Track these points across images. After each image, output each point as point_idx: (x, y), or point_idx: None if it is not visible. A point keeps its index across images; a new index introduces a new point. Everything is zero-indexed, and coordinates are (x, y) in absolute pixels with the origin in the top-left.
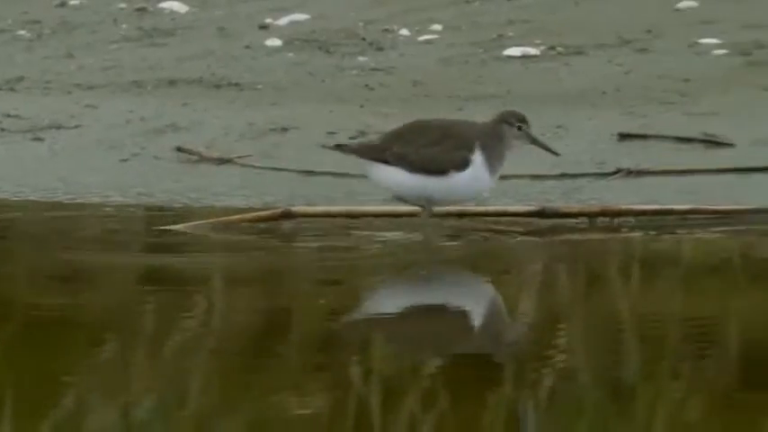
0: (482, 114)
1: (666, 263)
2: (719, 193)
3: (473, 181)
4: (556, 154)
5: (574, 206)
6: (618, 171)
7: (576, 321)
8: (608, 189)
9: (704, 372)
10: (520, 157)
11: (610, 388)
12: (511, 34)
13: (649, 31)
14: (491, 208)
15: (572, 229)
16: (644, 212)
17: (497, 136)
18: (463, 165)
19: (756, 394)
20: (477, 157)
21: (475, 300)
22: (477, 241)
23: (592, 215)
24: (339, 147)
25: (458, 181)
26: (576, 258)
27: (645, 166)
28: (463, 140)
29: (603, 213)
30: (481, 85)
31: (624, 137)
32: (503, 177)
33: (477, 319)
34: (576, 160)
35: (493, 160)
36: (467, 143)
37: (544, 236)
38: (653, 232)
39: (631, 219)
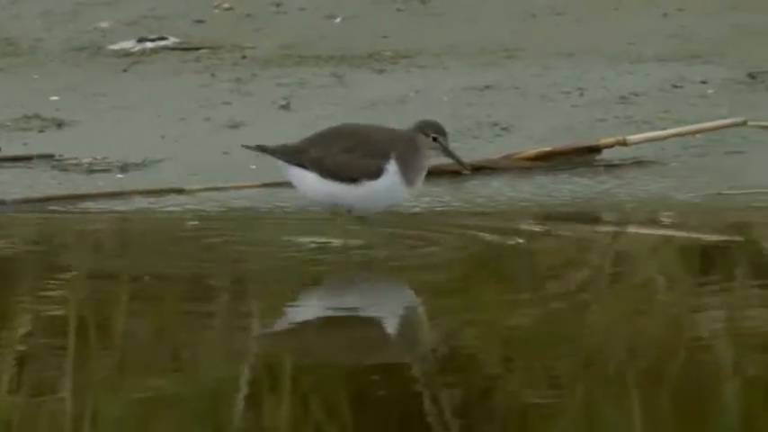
0: None
1: None
2: None
3: (386, 191)
4: (465, 168)
5: None
6: None
7: None
8: None
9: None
10: None
11: None
12: None
13: None
14: None
15: None
16: None
17: (414, 146)
18: (376, 173)
19: None
20: (392, 167)
21: None
22: None
23: None
24: (261, 147)
25: (370, 189)
26: None
27: None
28: (378, 149)
29: None
30: None
31: None
32: None
33: None
34: None
35: (409, 170)
36: (381, 151)
37: None
38: None
39: None
